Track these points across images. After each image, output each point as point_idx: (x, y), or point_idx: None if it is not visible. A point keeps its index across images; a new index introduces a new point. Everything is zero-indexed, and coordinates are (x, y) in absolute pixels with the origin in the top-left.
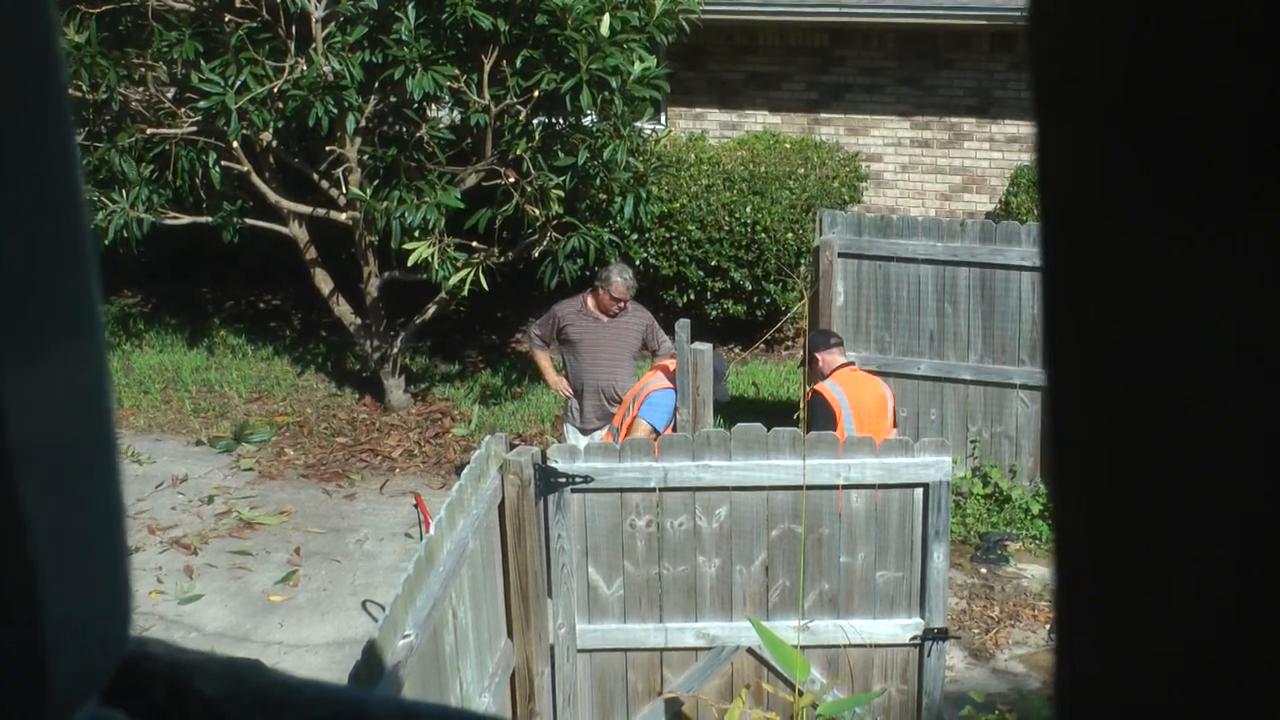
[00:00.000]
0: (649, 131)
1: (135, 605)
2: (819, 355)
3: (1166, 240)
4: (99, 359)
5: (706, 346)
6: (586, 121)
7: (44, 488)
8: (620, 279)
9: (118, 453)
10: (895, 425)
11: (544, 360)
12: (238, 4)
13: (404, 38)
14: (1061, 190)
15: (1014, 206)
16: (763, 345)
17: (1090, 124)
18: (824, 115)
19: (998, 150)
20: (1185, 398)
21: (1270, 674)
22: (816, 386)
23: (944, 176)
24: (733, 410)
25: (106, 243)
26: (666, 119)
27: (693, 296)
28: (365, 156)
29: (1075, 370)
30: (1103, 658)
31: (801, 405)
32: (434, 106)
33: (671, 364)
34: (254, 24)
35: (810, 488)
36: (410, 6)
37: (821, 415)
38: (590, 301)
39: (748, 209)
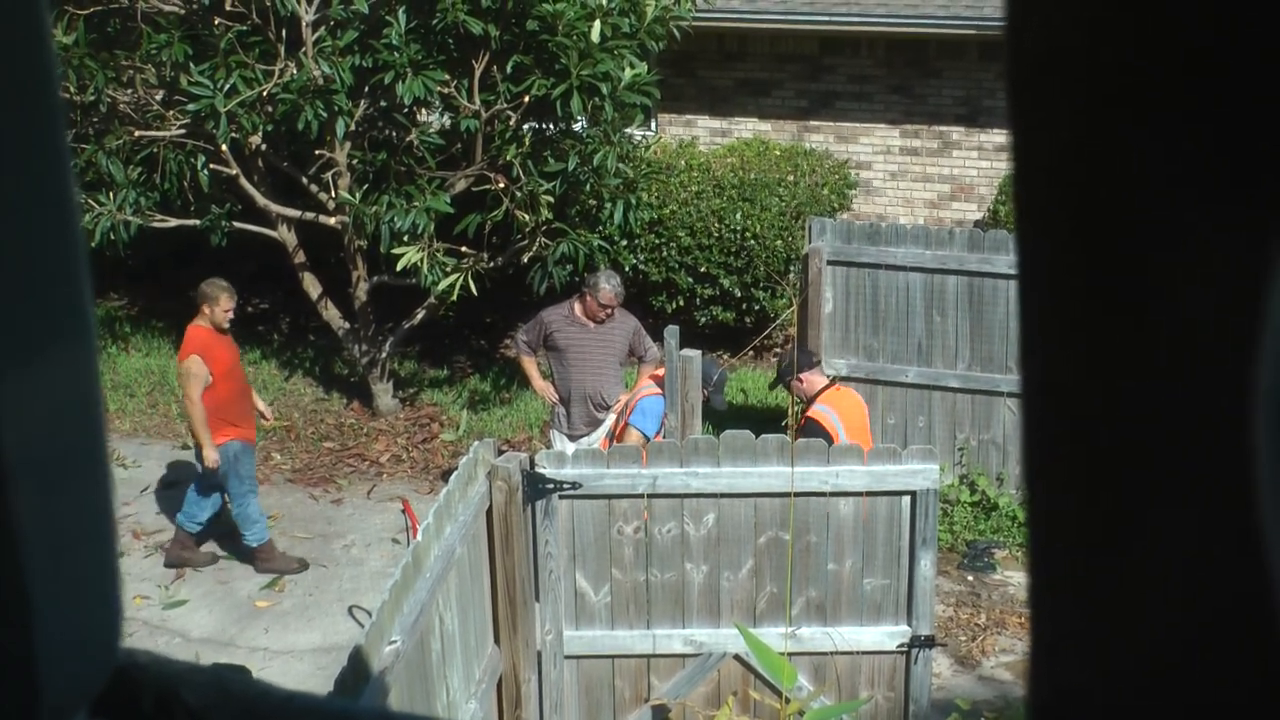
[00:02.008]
0: (639, 138)
1: (125, 614)
2: (803, 376)
3: (1150, 240)
4: (90, 365)
5: (695, 353)
6: (577, 127)
7: (36, 495)
8: (608, 285)
9: (109, 460)
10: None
11: (531, 366)
12: (227, 7)
13: (394, 42)
14: (1039, 192)
15: (1002, 215)
16: (751, 352)
17: (1067, 127)
18: (814, 123)
19: (986, 159)
20: (1179, 396)
21: (1268, 671)
22: (810, 413)
23: (933, 185)
24: (721, 417)
25: (93, 245)
26: (657, 125)
27: (682, 303)
28: (355, 161)
29: (1064, 372)
30: (1094, 661)
31: (789, 415)
32: (424, 111)
33: (660, 372)
34: (244, 27)
35: (798, 495)
36: (401, 11)
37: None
38: (578, 308)
39: (737, 216)
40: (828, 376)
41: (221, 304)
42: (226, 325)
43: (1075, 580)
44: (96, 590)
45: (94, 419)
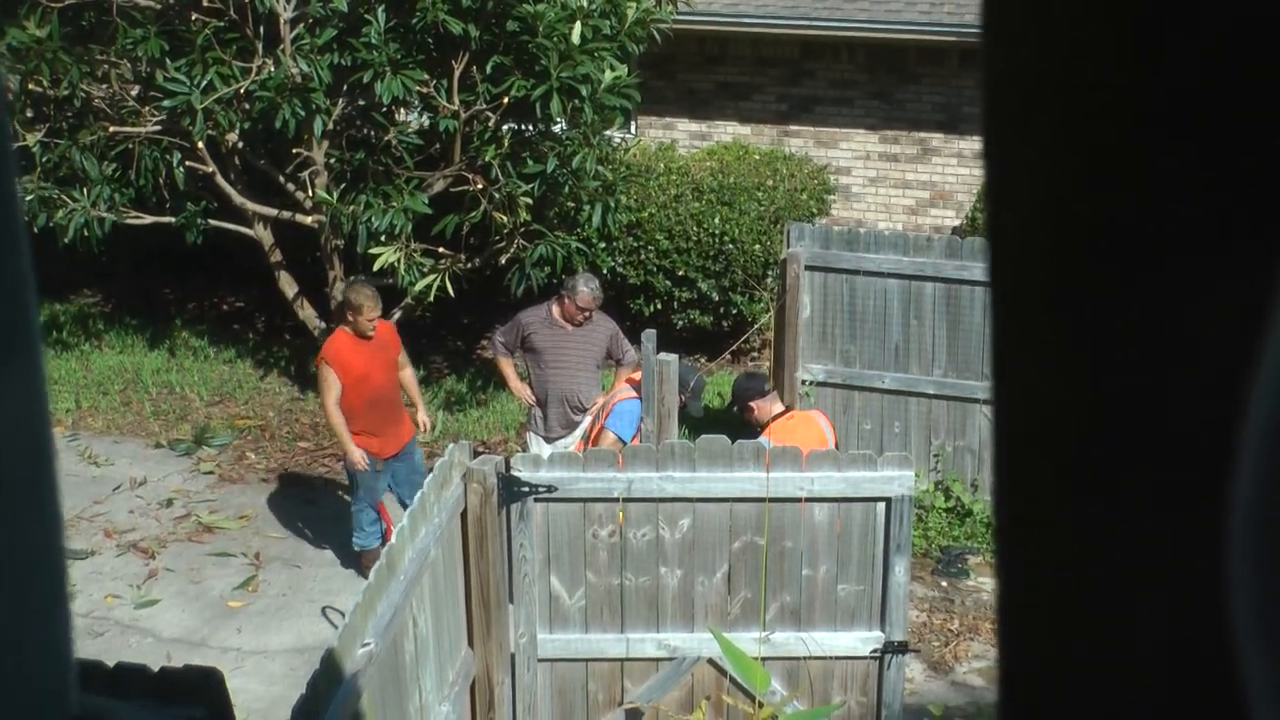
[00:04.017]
0: (618, 140)
1: (78, 659)
2: (754, 404)
3: (1133, 256)
4: (38, 386)
5: (672, 357)
6: (556, 129)
7: None
8: (586, 288)
9: (59, 488)
10: None
11: (508, 368)
12: (205, 3)
13: (373, 41)
14: (1015, 208)
15: (980, 222)
16: (729, 356)
17: (1046, 143)
18: (793, 127)
19: (965, 166)
20: (1162, 410)
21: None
22: None
23: (911, 191)
24: (697, 421)
25: (66, 241)
26: (636, 128)
27: (659, 306)
28: (332, 160)
29: (1042, 386)
30: (1073, 672)
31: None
32: (403, 111)
33: (637, 375)
34: (221, 23)
35: (773, 500)
36: (380, 10)
37: None
38: (555, 310)
39: (716, 219)
40: (784, 404)
41: (365, 312)
42: (370, 333)
43: (1054, 589)
44: (47, 633)
45: (42, 444)
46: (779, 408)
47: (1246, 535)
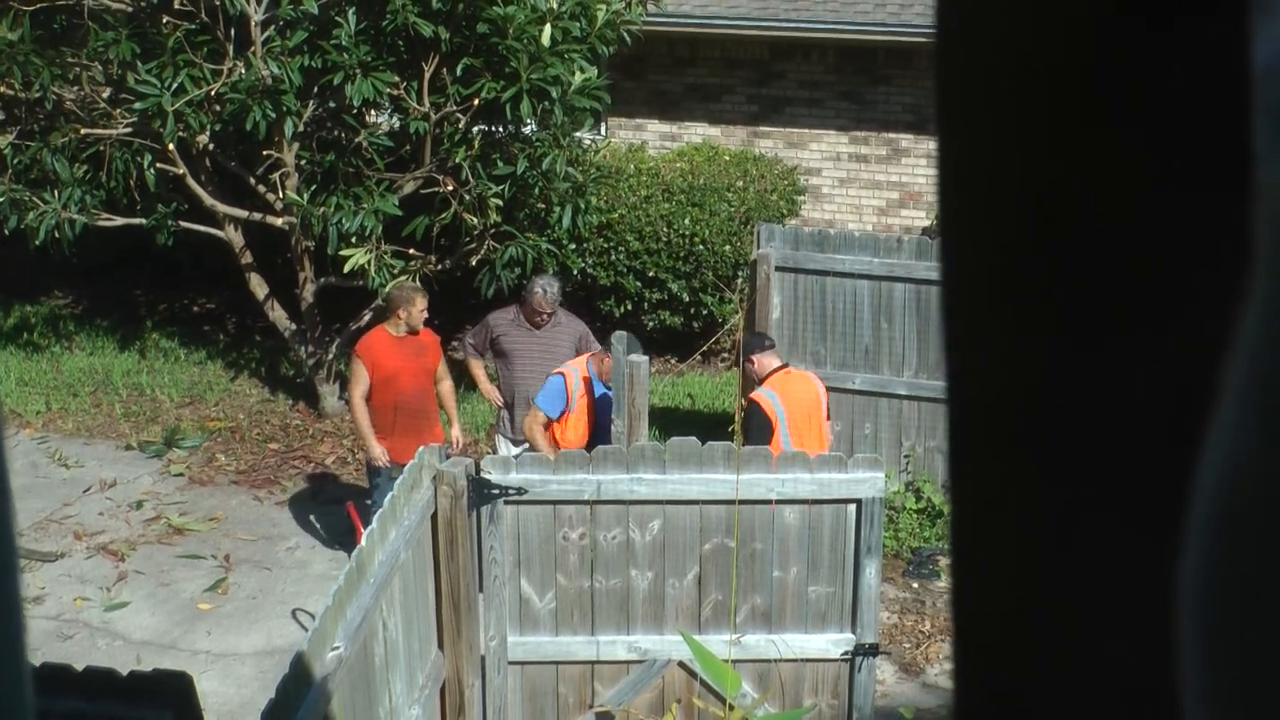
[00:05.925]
0: (588, 142)
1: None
2: (754, 358)
3: (1091, 247)
4: None
5: (643, 358)
6: (526, 131)
7: None
8: (540, 291)
9: (14, 520)
10: (829, 418)
11: (478, 369)
12: (176, 5)
13: (344, 43)
14: (971, 206)
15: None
16: (699, 357)
17: (990, 136)
18: (763, 128)
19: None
20: (1127, 405)
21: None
22: (753, 396)
23: (881, 192)
24: (668, 422)
25: (37, 243)
26: (606, 129)
27: (630, 307)
28: (303, 161)
29: (991, 381)
30: (1034, 666)
31: (736, 414)
32: (373, 113)
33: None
34: (192, 26)
35: (743, 502)
36: (351, 12)
37: (757, 425)
38: (522, 312)
39: (686, 220)
40: (782, 361)
41: (417, 304)
42: (419, 326)
43: (1007, 589)
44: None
45: None
46: (777, 363)
47: (1203, 549)
